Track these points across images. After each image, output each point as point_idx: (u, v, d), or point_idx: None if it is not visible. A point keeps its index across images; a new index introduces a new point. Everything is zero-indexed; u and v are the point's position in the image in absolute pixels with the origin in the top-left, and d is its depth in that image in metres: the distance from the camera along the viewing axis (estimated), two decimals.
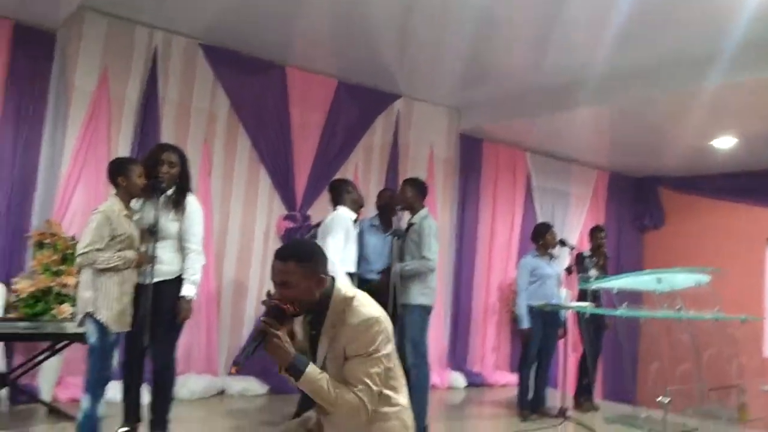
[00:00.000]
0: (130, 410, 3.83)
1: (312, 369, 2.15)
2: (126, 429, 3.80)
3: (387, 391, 2.25)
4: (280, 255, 2.24)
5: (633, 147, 7.94)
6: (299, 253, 2.25)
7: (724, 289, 3.41)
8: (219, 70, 6.05)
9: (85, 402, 3.56)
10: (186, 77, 5.91)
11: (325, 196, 6.40)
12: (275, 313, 2.19)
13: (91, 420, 3.56)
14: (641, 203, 9.57)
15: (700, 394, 2.84)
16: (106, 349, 3.60)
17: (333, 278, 2.32)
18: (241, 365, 2.24)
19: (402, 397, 2.33)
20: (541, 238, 6.04)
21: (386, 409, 2.26)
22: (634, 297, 3.14)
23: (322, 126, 6.62)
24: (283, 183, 6.39)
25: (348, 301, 2.24)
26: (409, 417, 2.34)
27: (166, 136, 5.63)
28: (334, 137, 6.68)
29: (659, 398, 2.71)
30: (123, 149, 5.50)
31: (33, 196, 5.14)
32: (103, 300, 3.55)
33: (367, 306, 2.26)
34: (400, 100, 7.21)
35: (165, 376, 3.85)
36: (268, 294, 2.25)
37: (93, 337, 3.58)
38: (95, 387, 3.58)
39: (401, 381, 2.36)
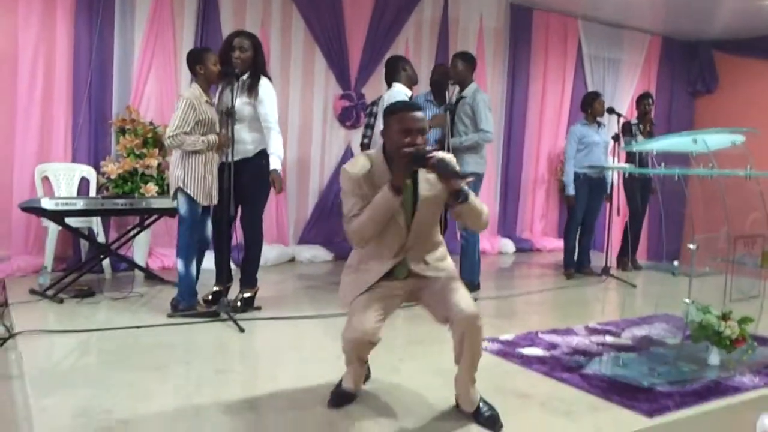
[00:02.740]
0: (222, 272, 4.38)
1: (471, 193, 2.56)
2: (218, 288, 4.38)
3: None
4: (418, 107, 2.58)
5: (686, 9, 7.74)
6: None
7: (763, 151, 3.64)
8: None
9: (179, 265, 4.10)
10: None
11: (377, 75, 6.64)
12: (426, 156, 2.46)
13: (187, 280, 4.11)
14: (694, 68, 9.42)
15: (727, 244, 3.15)
16: (195, 218, 4.09)
17: None
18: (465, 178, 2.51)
19: None
20: (589, 107, 6.20)
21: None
22: (681, 161, 3.40)
23: (372, 3, 6.72)
24: (337, 63, 6.61)
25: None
26: None
27: (225, 23, 5.89)
28: (384, 14, 6.77)
29: (688, 245, 3.01)
30: (187, 39, 5.81)
31: (111, 85, 5.55)
32: (191, 177, 4.01)
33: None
34: None
35: (254, 242, 4.33)
36: (415, 148, 2.46)
37: (183, 209, 4.07)
38: (186, 252, 4.09)
39: None
